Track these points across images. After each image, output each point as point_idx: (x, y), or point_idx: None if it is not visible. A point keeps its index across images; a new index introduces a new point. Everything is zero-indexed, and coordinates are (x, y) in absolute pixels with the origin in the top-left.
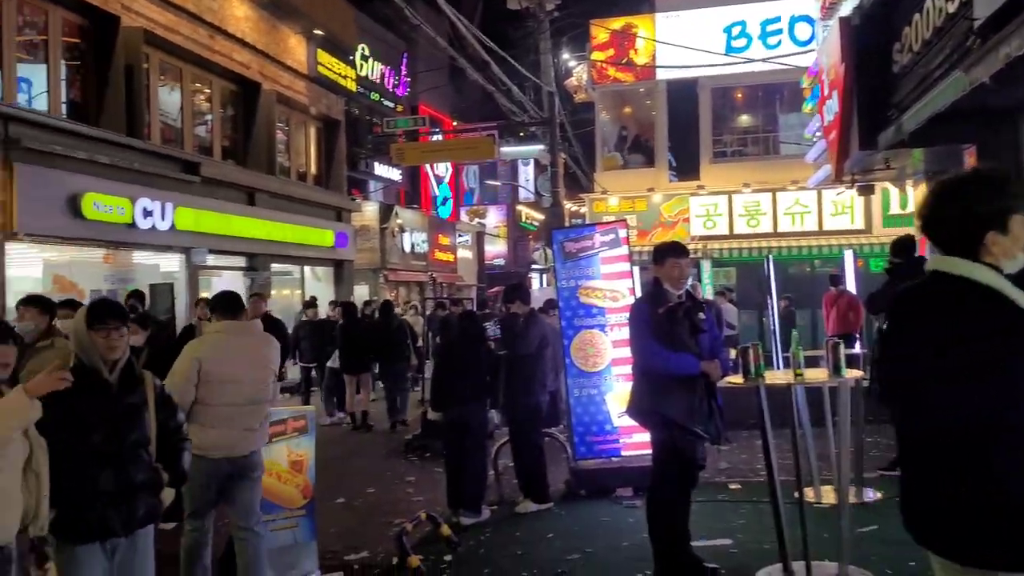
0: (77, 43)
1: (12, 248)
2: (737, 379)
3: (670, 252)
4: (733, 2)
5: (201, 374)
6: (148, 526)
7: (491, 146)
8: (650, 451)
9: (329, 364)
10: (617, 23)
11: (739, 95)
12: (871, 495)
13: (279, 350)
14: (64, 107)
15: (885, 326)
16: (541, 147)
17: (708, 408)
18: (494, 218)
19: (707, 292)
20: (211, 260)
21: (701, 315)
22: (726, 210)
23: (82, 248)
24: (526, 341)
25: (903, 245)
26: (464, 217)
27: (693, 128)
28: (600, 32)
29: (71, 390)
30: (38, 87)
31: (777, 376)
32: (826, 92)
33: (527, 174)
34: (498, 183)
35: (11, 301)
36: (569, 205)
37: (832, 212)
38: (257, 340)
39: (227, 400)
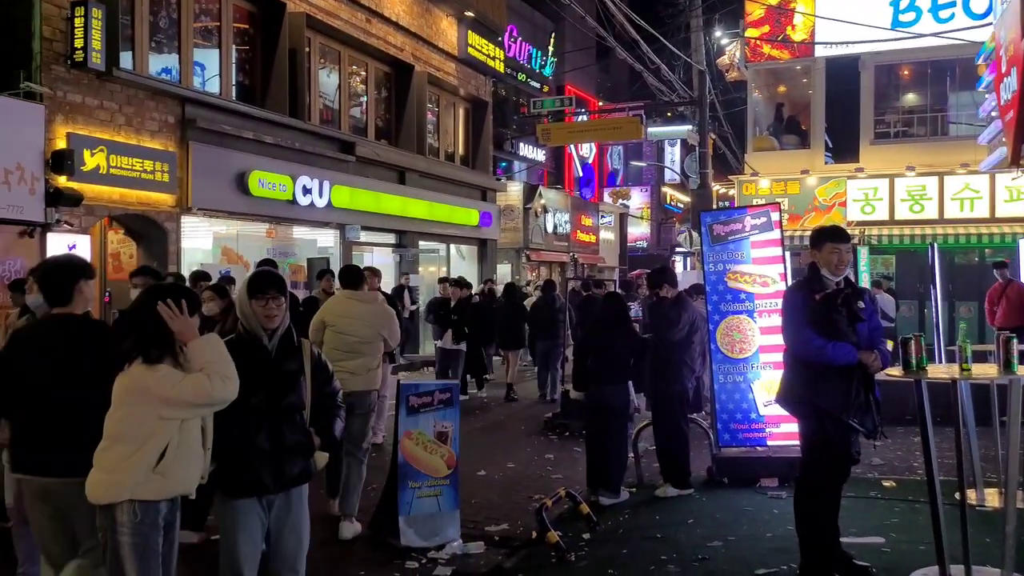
0: (246, 29)
1: (187, 221)
2: (897, 371)
3: (829, 237)
4: None
5: (325, 330)
6: (302, 485)
7: (637, 126)
8: (798, 442)
9: (440, 344)
10: None
11: (905, 72)
12: None
13: (392, 317)
14: (234, 90)
15: None
16: (689, 127)
17: (865, 400)
18: (638, 200)
19: (863, 281)
20: (363, 236)
21: (860, 303)
22: (887, 194)
23: (248, 222)
24: (676, 326)
25: None
26: (608, 199)
27: (852, 108)
28: (755, 8)
29: (235, 354)
30: (211, 71)
31: (940, 370)
32: (1004, 68)
33: (673, 155)
34: (643, 164)
35: (186, 270)
36: (717, 187)
37: (1006, 198)
38: (371, 307)
39: (342, 347)
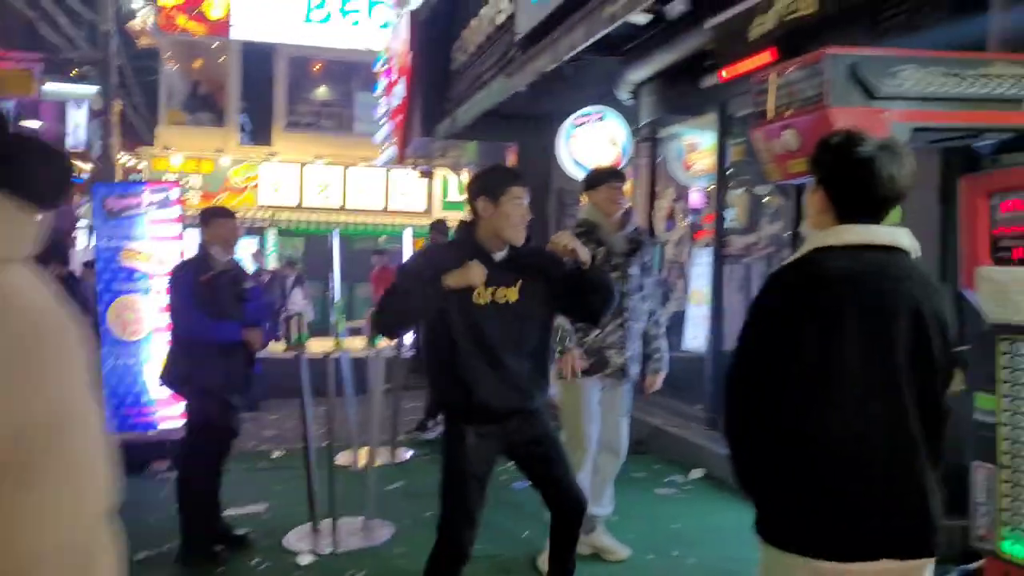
0: None
1: None
2: (279, 347)
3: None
4: None
5: None
6: None
7: (28, 80)
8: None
9: None
10: None
11: (317, 67)
12: (406, 455)
13: None
14: None
15: None
16: (96, 89)
17: (245, 377)
18: None
19: (271, 263)
20: None
21: (246, 284)
22: (297, 180)
23: None
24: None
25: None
26: None
27: (269, 93)
28: None
29: None
30: None
31: (316, 345)
32: (395, 77)
33: (77, 119)
34: (40, 124)
35: None
36: (126, 159)
37: (399, 192)
38: None
39: None
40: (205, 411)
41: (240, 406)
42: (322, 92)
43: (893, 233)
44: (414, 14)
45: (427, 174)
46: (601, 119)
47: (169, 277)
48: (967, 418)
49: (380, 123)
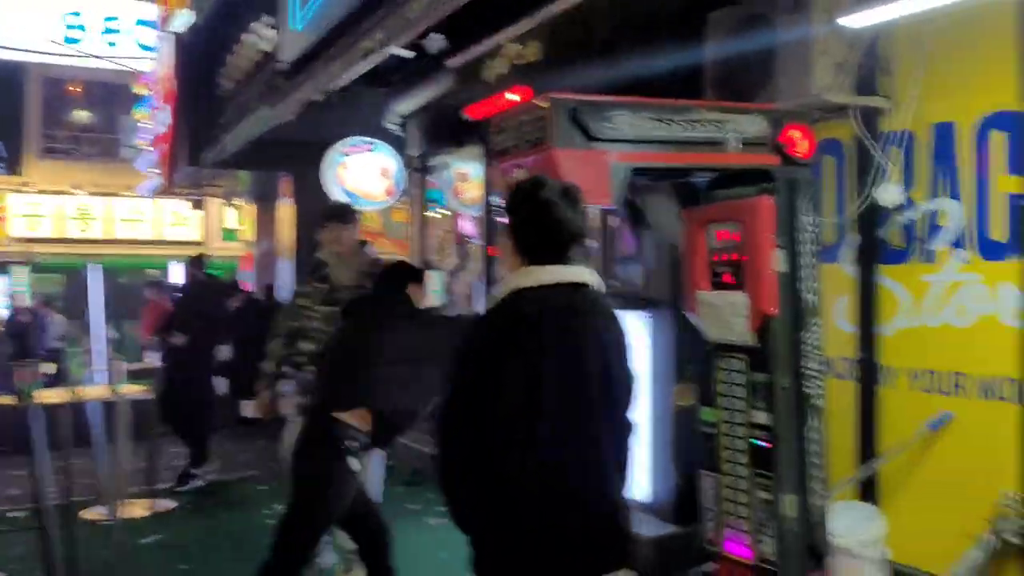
0: None
1: None
2: (9, 399)
3: None
4: None
5: None
6: None
7: None
8: None
9: None
10: None
11: (77, 89)
12: (170, 505)
13: None
14: None
15: None
16: None
17: None
18: None
19: (30, 300)
20: None
21: None
22: (55, 211)
23: None
24: None
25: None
26: None
27: (20, 117)
28: None
29: None
30: None
31: (49, 395)
32: (159, 103)
33: None
34: None
35: None
36: None
37: (171, 222)
38: None
39: None
40: None
41: None
42: (83, 115)
43: (579, 272)
44: (178, 37)
45: (199, 205)
46: (371, 150)
47: None
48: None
49: (145, 150)
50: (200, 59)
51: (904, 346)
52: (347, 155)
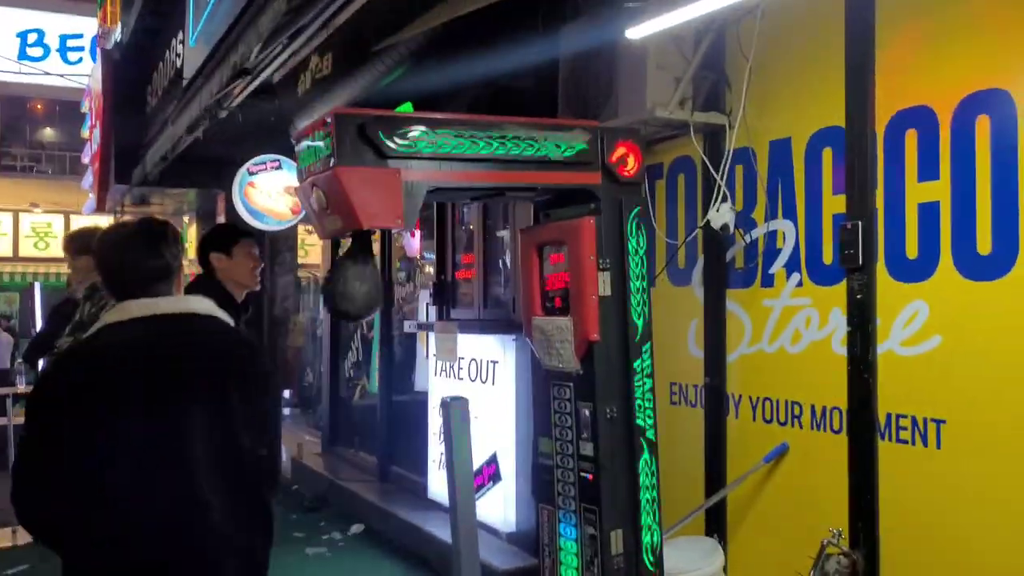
0: None
1: None
2: None
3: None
4: (28, 5)
5: None
6: None
7: None
8: None
9: None
10: None
11: (39, 106)
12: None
13: None
14: None
15: None
16: None
17: None
18: None
19: None
20: None
21: None
22: (11, 230)
23: None
24: None
25: None
26: None
27: None
28: None
29: None
30: None
31: None
32: (93, 121)
33: None
34: None
35: None
36: None
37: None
38: None
39: None
40: None
41: None
42: (47, 133)
43: (178, 302)
44: (106, 54)
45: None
46: (279, 167)
47: None
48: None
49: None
50: (127, 76)
51: (746, 373)
52: (254, 174)
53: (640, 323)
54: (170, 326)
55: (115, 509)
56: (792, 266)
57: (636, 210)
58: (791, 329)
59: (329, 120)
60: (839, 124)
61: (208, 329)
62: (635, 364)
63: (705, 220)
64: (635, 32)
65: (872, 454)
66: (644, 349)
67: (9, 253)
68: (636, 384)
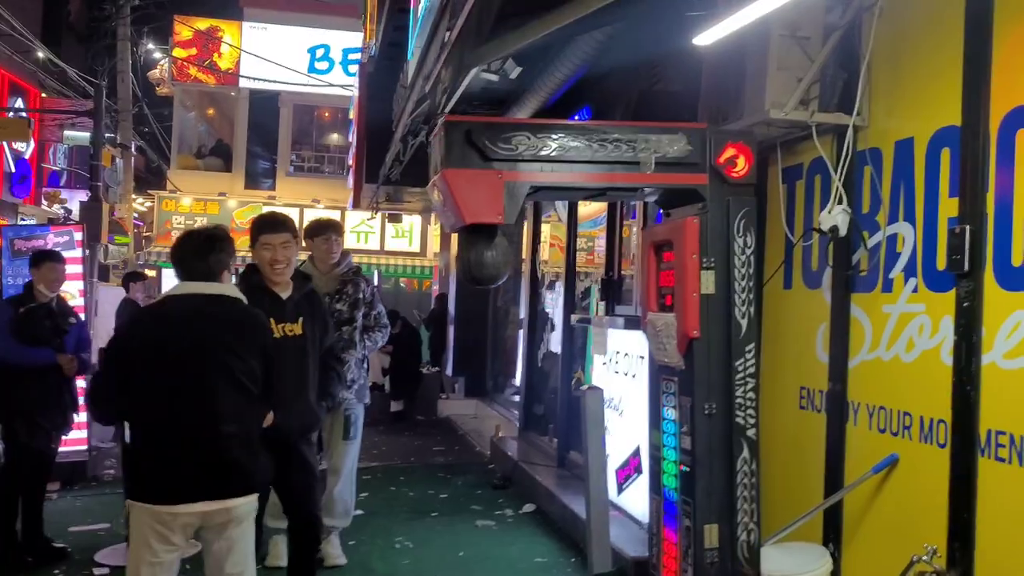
0: None
1: None
2: None
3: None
4: (318, 24)
5: None
6: None
7: (24, 128)
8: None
9: None
10: (202, 24)
11: (326, 114)
12: None
13: None
14: None
15: None
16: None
17: (59, 399)
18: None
19: None
20: None
21: (72, 319)
22: (298, 223)
23: None
24: None
25: None
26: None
27: (276, 139)
28: (184, 29)
29: None
30: None
31: None
32: (355, 127)
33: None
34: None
35: None
36: (141, 202)
37: (393, 235)
38: None
39: None
40: (16, 431)
41: (52, 427)
42: (326, 138)
43: (215, 287)
44: (362, 66)
45: (395, 218)
46: None
47: None
48: None
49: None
50: (378, 85)
51: (865, 380)
52: None
53: (744, 323)
54: (207, 302)
55: (157, 407)
56: (910, 271)
57: (745, 210)
58: (906, 337)
59: (440, 127)
60: (956, 123)
61: (231, 304)
62: (736, 363)
63: (817, 223)
64: (703, 39)
65: (972, 471)
66: (748, 349)
67: None
68: (737, 383)
